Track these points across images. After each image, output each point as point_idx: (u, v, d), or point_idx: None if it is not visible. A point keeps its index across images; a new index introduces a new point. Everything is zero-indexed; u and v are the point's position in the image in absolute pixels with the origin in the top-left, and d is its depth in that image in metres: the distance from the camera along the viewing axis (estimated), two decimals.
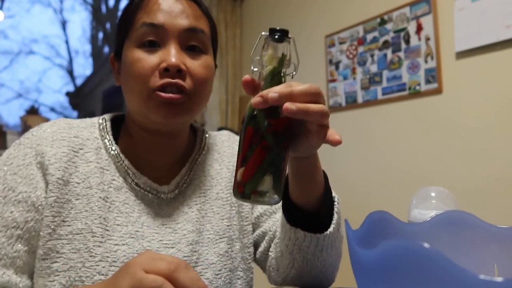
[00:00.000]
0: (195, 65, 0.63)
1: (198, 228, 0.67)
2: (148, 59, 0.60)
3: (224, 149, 0.77)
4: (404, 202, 1.10)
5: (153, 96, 0.60)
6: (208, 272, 0.64)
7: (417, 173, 1.90)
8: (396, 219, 0.53)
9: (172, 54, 0.60)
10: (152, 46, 0.61)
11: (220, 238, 0.68)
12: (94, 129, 0.68)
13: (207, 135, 0.78)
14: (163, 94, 0.60)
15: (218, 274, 0.65)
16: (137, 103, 0.63)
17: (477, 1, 1.69)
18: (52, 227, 0.58)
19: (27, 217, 0.58)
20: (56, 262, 0.57)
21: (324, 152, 2.57)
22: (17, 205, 0.58)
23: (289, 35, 0.49)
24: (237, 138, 0.81)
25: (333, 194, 0.65)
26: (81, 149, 0.64)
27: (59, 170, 0.61)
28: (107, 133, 0.68)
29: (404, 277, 0.34)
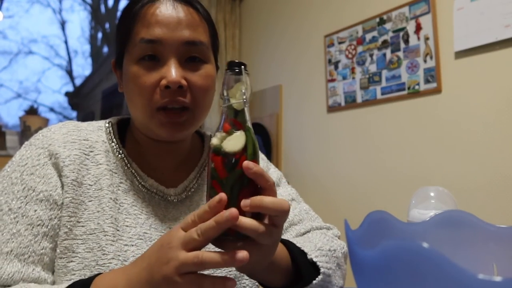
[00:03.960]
0: (196, 77, 0.63)
1: None
2: (149, 76, 0.61)
3: None
4: (403, 202, 1.10)
5: (156, 115, 0.62)
6: None
7: (417, 173, 1.90)
8: (395, 219, 0.53)
9: (172, 71, 0.60)
10: (152, 60, 0.62)
11: None
12: (101, 133, 0.69)
13: None
14: (165, 115, 0.61)
15: None
16: (140, 118, 0.64)
17: (476, 1, 1.69)
18: (68, 226, 0.60)
19: (51, 214, 0.60)
20: (72, 261, 0.59)
21: (323, 152, 2.55)
22: (39, 204, 0.60)
23: (246, 68, 0.50)
24: None
25: (311, 257, 0.62)
26: (91, 151, 0.66)
27: (73, 172, 0.62)
28: (114, 137, 0.69)
29: (403, 276, 0.34)
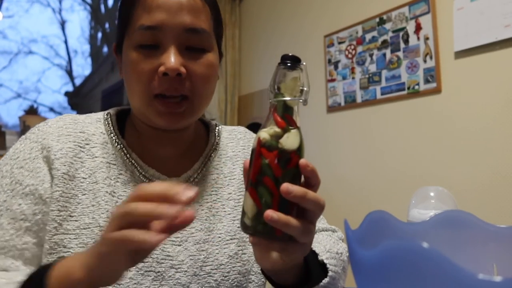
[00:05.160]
0: (196, 66, 0.61)
1: (207, 227, 0.66)
2: (147, 63, 0.59)
3: (239, 148, 0.76)
4: (403, 201, 1.10)
5: (154, 103, 0.60)
6: (217, 274, 0.64)
7: (416, 173, 1.90)
8: (395, 218, 0.53)
9: (171, 58, 0.58)
10: (151, 47, 0.60)
11: (231, 238, 0.67)
12: (99, 124, 0.68)
13: (219, 129, 0.77)
14: (163, 103, 0.59)
15: (226, 276, 0.64)
16: (138, 106, 0.63)
17: (476, 1, 1.69)
18: (58, 221, 0.59)
19: (35, 209, 0.59)
20: (63, 256, 0.57)
21: (323, 152, 2.55)
22: (25, 198, 0.59)
23: (302, 62, 0.48)
24: (253, 136, 0.78)
25: (322, 258, 0.62)
26: (87, 144, 0.65)
27: (64, 165, 0.61)
28: (113, 128, 0.67)
29: (403, 276, 0.34)
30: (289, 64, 0.47)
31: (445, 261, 0.30)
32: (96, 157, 0.64)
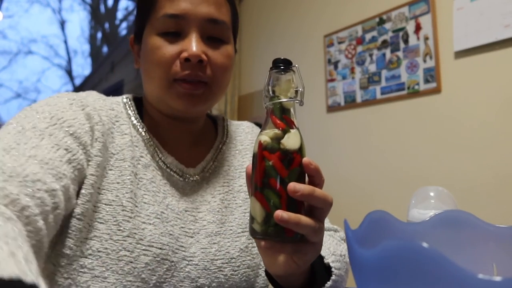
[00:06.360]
0: (216, 54, 0.63)
1: (220, 219, 0.66)
2: (169, 48, 0.61)
3: (248, 142, 0.78)
4: (403, 201, 1.10)
5: (174, 85, 0.61)
6: (227, 268, 0.63)
7: (416, 173, 1.90)
8: (395, 218, 0.53)
9: (193, 44, 0.60)
10: (174, 35, 0.61)
11: (242, 231, 0.67)
12: (121, 107, 0.68)
13: (228, 123, 0.79)
14: (183, 84, 0.60)
15: (236, 271, 0.64)
16: (157, 90, 0.63)
17: (475, 1, 1.70)
18: (95, 187, 0.56)
19: (78, 149, 0.54)
20: (83, 229, 0.55)
21: (323, 152, 2.55)
22: (68, 136, 0.54)
23: (293, 64, 0.49)
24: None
25: (328, 261, 0.61)
26: (117, 121, 0.64)
27: (103, 135, 0.59)
28: (134, 111, 0.67)
29: (403, 276, 0.34)
30: (281, 67, 0.48)
31: (445, 261, 0.30)
32: (125, 134, 0.63)
